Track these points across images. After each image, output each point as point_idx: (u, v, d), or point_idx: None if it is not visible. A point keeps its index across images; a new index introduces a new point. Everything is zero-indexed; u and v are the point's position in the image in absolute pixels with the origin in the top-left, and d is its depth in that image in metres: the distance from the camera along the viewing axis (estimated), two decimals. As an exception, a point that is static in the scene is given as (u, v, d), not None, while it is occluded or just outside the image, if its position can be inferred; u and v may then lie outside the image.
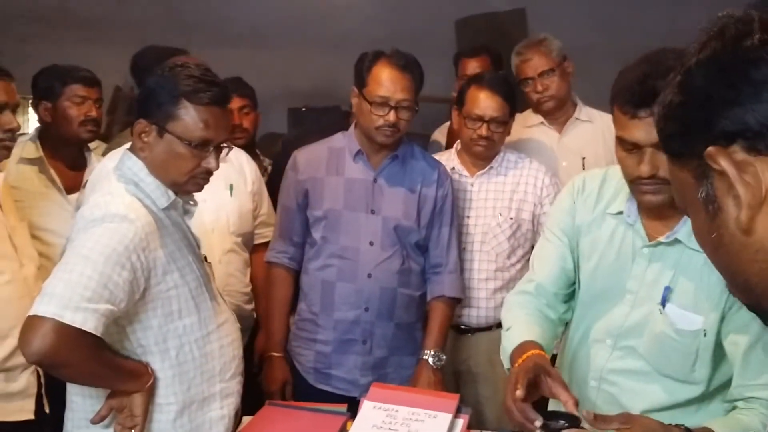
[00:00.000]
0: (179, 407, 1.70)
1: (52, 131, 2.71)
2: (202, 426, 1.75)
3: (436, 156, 2.65)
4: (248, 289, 2.82)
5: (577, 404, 1.41)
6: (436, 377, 2.36)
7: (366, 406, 1.83)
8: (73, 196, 2.62)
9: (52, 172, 2.65)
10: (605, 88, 1.55)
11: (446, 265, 2.46)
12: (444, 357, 2.40)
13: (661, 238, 1.58)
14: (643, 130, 1.44)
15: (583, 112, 2.99)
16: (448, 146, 3.11)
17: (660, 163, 1.45)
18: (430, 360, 2.37)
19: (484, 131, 2.54)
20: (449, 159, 2.70)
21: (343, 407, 1.94)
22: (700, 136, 0.73)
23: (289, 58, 5.21)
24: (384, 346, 2.40)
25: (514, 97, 2.62)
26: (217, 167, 1.72)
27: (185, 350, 1.70)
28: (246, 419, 1.89)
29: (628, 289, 1.64)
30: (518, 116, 2.75)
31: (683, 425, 1.42)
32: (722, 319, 1.52)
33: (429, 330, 2.42)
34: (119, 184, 1.66)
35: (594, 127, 2.93)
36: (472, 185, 2.67)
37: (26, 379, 2.13)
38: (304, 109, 5.23)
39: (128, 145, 1.77)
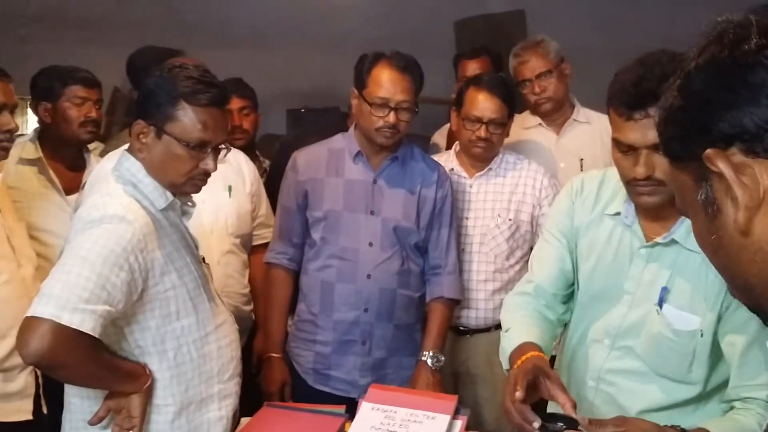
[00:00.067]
0: (177, 408, 1.70)
1: (51, 132, 2.71)
2: (200, 427, 1.75)
3: (435, 157, 2.66)
4: (247, 291, 2.82)
5: (575, 406, 1.41)
6: (434, 378, 2.36)
7: (364, 408, 1.83)
8: (72, 197, 2.62)
9: (52, 172, 2.65)
10: (605, 88, 1.56)
11: (445, 266, 2.46)
12: (443, 358, 2.40)
13: (658, 239, 1.59)
14: (639, 132, 1.45)
15: (581, 113, 2.99)
16: (448, 148, 3.11)
17: (656, 164, 1.46)
18: (429, 361, 2.37)
19: (482, 133, 2.54)
20: (448, 160, 2.70)
21: (341, 408, 1.94)
22: (699, 138, 0.74)
23: (289, 59, 5.21)
24: (383, 347, 2.40)
25: (513, 99, 2.62)
26: (215, 169, 1.72)
27: (183, 351, 1.70)
28: (244, 420, 1.89)
29: (626, 290, 1.64)
30: (516, 117, 2.76)
31: (679, 426, 1.42)
32: (719, 319, 1.53)
33: (428, 331, 2.42)
34: (117, 185, 1.66)
35: (592, 129, 2.93)
36: (470, 186, 2.68)
37: (24, 380, 2.13)
38: (303, 110, 5.23)
39: (126, 146, 1.76)
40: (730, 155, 0.72)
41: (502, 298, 2.33)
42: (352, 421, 1.81)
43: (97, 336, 1.49)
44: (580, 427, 1.40)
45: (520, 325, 1.71)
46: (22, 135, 2.67)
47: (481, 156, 2.64)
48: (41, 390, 2.19)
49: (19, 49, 4.66)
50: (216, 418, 1.78)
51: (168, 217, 1.72)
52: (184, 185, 1.72)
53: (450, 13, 5.03)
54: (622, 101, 1.46)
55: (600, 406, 1.67)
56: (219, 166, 1.77)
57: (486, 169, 2.67)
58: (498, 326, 2.12)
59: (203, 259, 1.87)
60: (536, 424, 1.40)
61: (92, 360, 1.54)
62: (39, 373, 2.15)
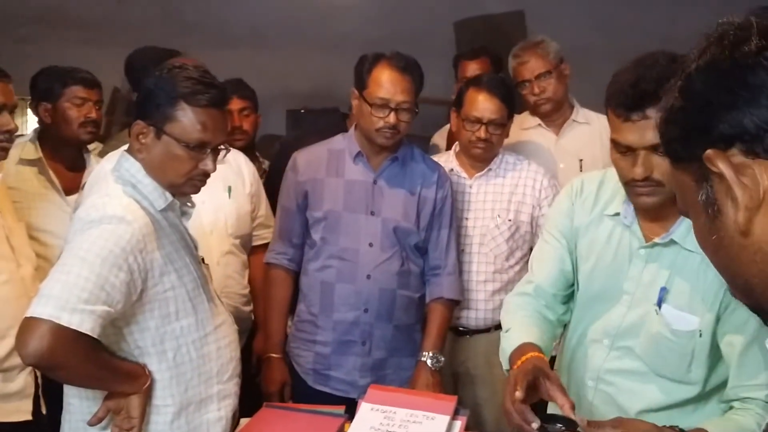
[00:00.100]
0: (176, 409, 1.70)
1: (51, 132, 2.71)
2: (199, 428, 1.74)
3: (435, 157, 2.66)
4: (246, 291, 2.82)
5: (573, 408, 1.41)
6: (434, 379, 2.36)
7: (363, 408, 1.83)
8: (72, 198, 2.62)
9: (51, 173, 2.65)
10: (605, 89, 1.56)
11: (445, 266, 2.46)
12: (442, 359, 2.40)
13: (657, 239, 1.59)
14: (636, 133, 1.45)
15: (580, 113, 2.99)
16: (448, 149, 3.11)
17: (654, 165, 1.47)
18: (429, 362, 2.37)
19: (482, 133, 2.54)
20: (448, 161, 2.70)
21: (340, 409, 1.94)
22: (700, 139, 0.74)
23: (288, 59, 5.21)
24: (383, 347, 2.40)
25: (513, 99, 2.62)
26: (215, 169, 1.72)
27: (182, 352, 1.70)
28: (243, 421, 1.89)
29: (625, 290, 1.64)
30: (515, 118, 2.76)
31: (677, 426, 1.42)
32: (718, 319, 1.53)
33: (427, 332, 2.43)
34: (116, 185, 1.66)
35: (591, 129, 2.93)
36: (470, 187, 2.68)
37: (24, 380, 2.13)
38: (302, 111, 5.23)
39: (126, 146, 1.76)
40: (730, 156, 0.72)
41: (501, 298, 2.34)
42: (351, 421, 1.81)
43: (96, 336, 1.49)
44: (578, 429, 1.40)
45: (520, 326, 1.72)
46: (22, 135, 2.67)
47: (481, 157, 2.64)
48: (40, 390, 2.19)
49: (18, 49, 4.66)
50: (215, 419, 1.78)
51: (167, 217, 1.72)
52: (184, 186, 1.72)
53: (450, 13, 5.03)
54: (620, 102, 1.46)
55: (599, 406, 1.67)
56: (218, 166, 1.77)
57: (486, 170, 2.67)
58: (497, 327, 2.12)
59: (202, 259, 1.87)
60: (535, 425, 1.40)
61: (91, 360, 1.53)
62: (38, 373, 2.14)
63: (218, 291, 1.94)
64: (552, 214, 1.88)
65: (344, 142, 2.45)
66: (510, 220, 2.62)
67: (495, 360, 1.77)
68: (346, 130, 2.51)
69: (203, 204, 2.41)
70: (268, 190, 2.88)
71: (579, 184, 1.79)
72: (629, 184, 1.54)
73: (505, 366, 1.66)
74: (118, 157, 1.73)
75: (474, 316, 2.64)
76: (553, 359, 1.86)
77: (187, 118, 1.65)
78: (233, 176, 2.74)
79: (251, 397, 2.21)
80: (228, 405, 1.81)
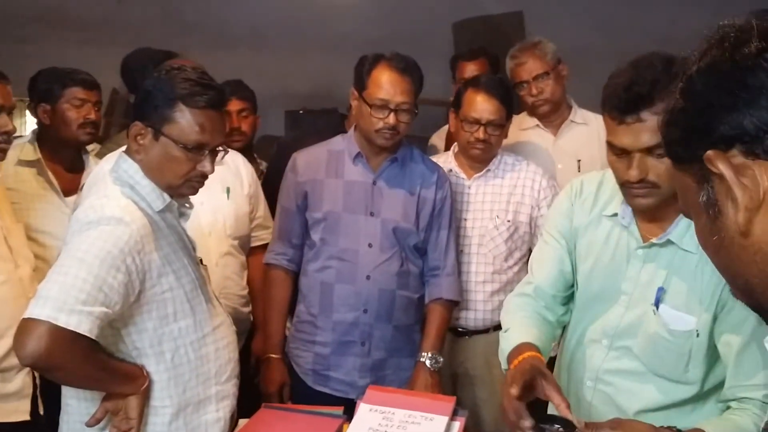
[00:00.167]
0: (174, 410, 1.70)
1: (50, 133, 2.70)
2: (197, 429, 1.74)
3: (433, 158, 2.66)
4: (245, 292, 2.82)
5: (569, 407, 1.42)
6: (433, 379, 2.36)
7: (362, 409, 1.83)
8: (71, 199, 2.62)
9: (50, 174, 2.64)
10: (604, 89, 1.56)
11: (444, 267, 2.46)
12: (441, 359, 2.40)
13: (654, 240, 1.59)
14: (631, 136, 1.46)
15: (578, 114, 2.99)
16: (446, 150, 3.11)
17: (649, 167, 1.47)
18: (428, 362, 2.37)
19: (481, 134, 2.54)
20: (446, 161, 2.70)
21: (339, 410, 1.94)
22: (701, 141, 0.75)
23: (287, 60, 5.21)
24: (382, 348, 2.40)
25: (511, 100, 2.62)
26: (213, 171, 1.72)
27: (180, 353, 1.70)
28: (242, 422, 1.89)
29: (623, 291, 1.65)
30: (513, 119, 2.75)
31: (675, 427, 1.42)
32: (715, 319, 1.53)
33: (426, 332, 2.42)
34: (115, 186, 1.66)
35: (589, 130, 2.93)
36: (469, 188, 2.68)
37: (22, 380, 2.12)
38: (301, 112, 5.23)
39: (124, 147, 1.76)
40: (730, 157, 0.73)
41: (500, 299, 2.34)
42: (350, 422, 1.81)
43: (93, 338, 1.49)
44: (576, 430, 1.40)
45: (519, 326, 1.72)
46: (21, 136, 2.67)
47: (480, 157, 2.64)
48: (38, 391, 2.18)
49: (18, 50, 4.66)
50: (214, 420, 1.78)
51: (165, 218, 1.72)
52: (182, 187, 1.71)
53: (448, 14, 5.03)
54: (614, 105, 1.47)
55: (598, 406, 1.68)
56: (217, 168, 1.77)
57: (484, 171, 2.67)
58: (496, 327, 2.13)
59: (201, 260, 1.87)
60: (528, 423, 1.41)
61: (89, 361, 1.53)
62: (36, 373, 2.14)
63: (217, 292, 1.94)
64: (552, 214, 1.88)
65: (344, 143, 2.45)
66: (509, 221, 2.62)
67: (494, 361, 1.78)
68: (344, 131, 2.51)
69: (201, 205, 2.40)
70: (266, 191, 2.88)
71: (578, 184, 1.79)
72: (625, 186, 1.54)
73: (504, 365, 1.67)
74: (116, 159, 1.73)
75: (473, 316, 2.64)
76: (552, 360, 1.86)
77: (185, 120, 1.65)
78: (231, 177, 2.74)
79: (250, 398, 2.20)
80: (226, 406, 1.81)
